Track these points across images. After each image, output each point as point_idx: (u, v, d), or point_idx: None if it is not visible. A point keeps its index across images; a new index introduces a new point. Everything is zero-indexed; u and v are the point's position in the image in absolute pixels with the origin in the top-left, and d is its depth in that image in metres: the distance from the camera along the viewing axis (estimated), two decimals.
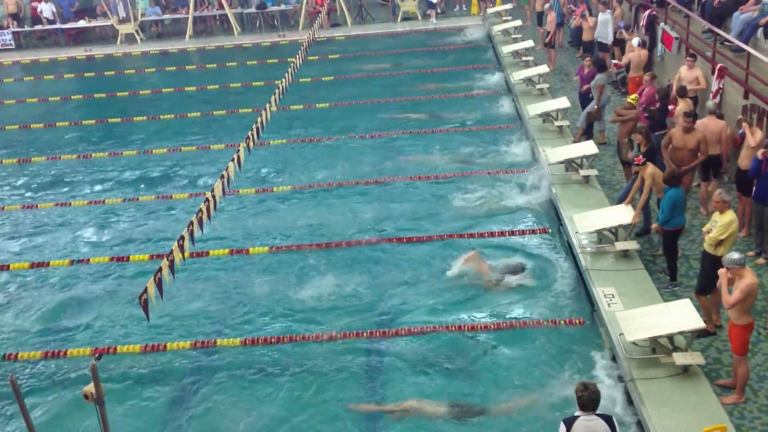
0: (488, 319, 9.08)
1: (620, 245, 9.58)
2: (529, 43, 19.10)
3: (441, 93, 17.98)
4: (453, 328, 8.88)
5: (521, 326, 8.85)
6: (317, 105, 17.56)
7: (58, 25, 26.25)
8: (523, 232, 11.08)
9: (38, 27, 26.51)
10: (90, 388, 4.82)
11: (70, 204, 13.32)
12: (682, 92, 11.30)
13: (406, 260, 10.59)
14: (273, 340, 8.94)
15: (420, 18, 25.91)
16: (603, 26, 16.53)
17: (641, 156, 9.61)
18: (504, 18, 23.03)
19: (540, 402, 7.58)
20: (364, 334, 8.94)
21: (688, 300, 7.84)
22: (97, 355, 5.05)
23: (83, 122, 18.21)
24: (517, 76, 17.00)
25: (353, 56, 22.35)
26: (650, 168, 9.44)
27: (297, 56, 16.40)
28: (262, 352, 8.80)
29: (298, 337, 8.96)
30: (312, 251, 10.99)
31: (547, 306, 9.23)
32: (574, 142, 13.17)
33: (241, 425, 7.60)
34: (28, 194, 14.11)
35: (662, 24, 14.88)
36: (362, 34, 24.84)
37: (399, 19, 26.09)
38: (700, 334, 7.66)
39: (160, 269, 7.47)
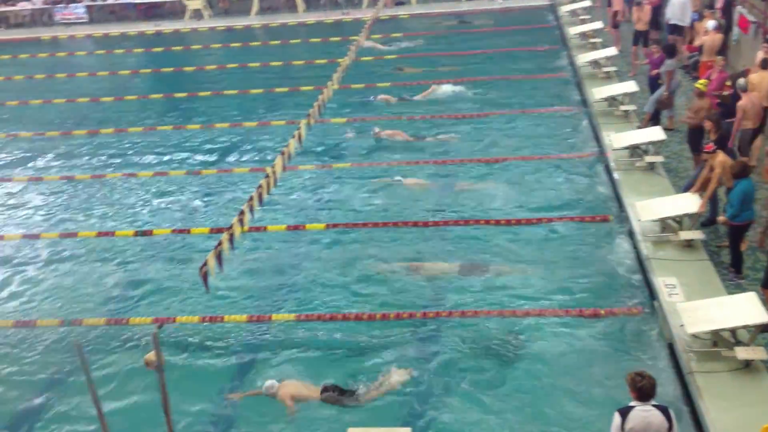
0: (545, 305, 8.96)
1: (684, 234, 9.31)
2: (598, 25, 18.61)
3: (503, 74, 17.71)
4: (507, 313, 8.80)
5: (578, 314, 8.71)
6: (378, 84, 17.52)
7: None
8: (582, 218, 10.88)
9: (110, 1, 27.13)
10: (151, 355, 4.96)
11: (135, 175, 13.68)
12: None
13: (461, 243, 10.52)
14: (327, 317, 9.01)
15: None
16: (679, 8, 15.87)
17: (712, 143, 9.29)
18: None
19: (594, 390, 7.47)
20: (418, 314, 8.93)
21: (753, 293, 7.58)
22: (158, 325, 5.19)
23: (150, 96, 18.64)
24: (584, 58, 16.62)
25: (416, 35, 22.19)
26: (720, 156, 9.11)
27: (360, 34, 16.37)
28: (316, 328, 8.89)
29: (351, 315, 9.02)
30: (369, 230, 11.02)
31: (605, 294, 9.05)
32: (640, 127, 12.83)
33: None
34: (97, 165, 14.53)
35: (739, 7, 14.29)
36: (426, 13, 24.64)
37: None
38: (764, 328, 7.41)
39: (221, 242, 7.61)
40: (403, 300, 9.28)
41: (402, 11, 25.14)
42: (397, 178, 12.40)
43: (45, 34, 26.14)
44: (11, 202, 13.04)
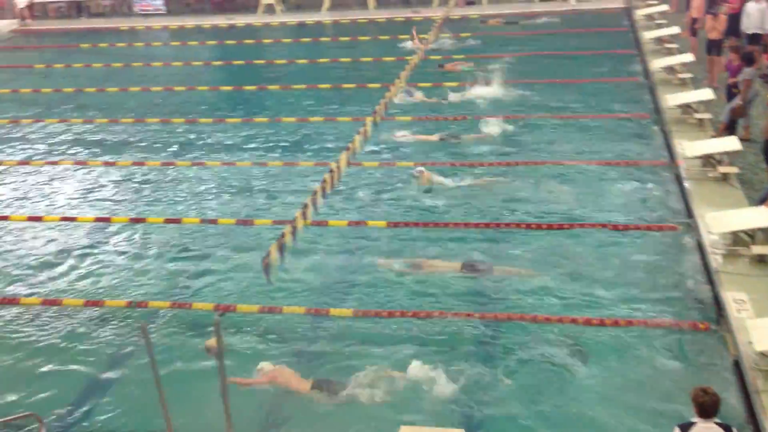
0: (607, 314, 8.77)
1: (757, 249, 8.99)
2: (674, 30, 18.13)
3: (574, 77, 17.44)
4: (567, 320, 8.66)
5: (640, 324, 8.50)
6: (445, 84, 17.46)
7: None
8: (650, 227, 10.61)
9: None
10: (212, 341, 5.06)
11: (203, 164, 14.00)
12: None
13: (526, 246, 10.40)
14: (384, 313, 9.03)
15: None
16: (758, 16, 15.33)
17: None
18: (648, 2, 21.97)
19: (654, 404, 7.28)
20: (476, 315, 8.87)
21: None
22: (220, 312, 5.30)
23: (220, 88, 19.05)
24: (658, 63, 16.21)
25: (485, 35, 22.03)
26: None
27: (430, 33, 16.35)
28: (372, 324, 8.91)
29: (409, 312, 9.01)
30: (429, 229, 11.00)
31: (670, 306, 8.81)
32: (715, 136, 12.43)
33: (344, 394, 7.74)
34: (167, 152, 14.92)
35: None
36: (497, 14, 24.44)
37: None
38: None
39: (284, 234, 7.70)
40: (462, 300, 9.24)
41: (472, 11, 25.00)
42: (445, 182, 12.30)
43: (124, 24, 27.00)
44: (86, 185, 13.50)
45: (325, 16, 26.08)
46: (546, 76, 17.71)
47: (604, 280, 9.42)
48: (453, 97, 16.54)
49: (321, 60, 20.51)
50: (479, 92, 16.58)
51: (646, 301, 8.97)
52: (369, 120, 11.07)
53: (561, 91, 16.62)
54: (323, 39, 22.96)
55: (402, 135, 14.48)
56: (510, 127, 14.64)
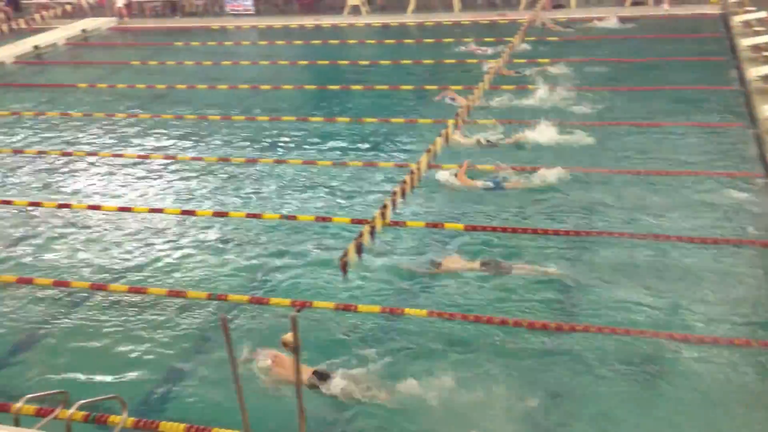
0: (692, 329, 8.45)
1: None
2: None
3: (664, 84, 16.90)
4: (649, 334, 8.38)
5: (726, 342, 8.14)
6: (529, 87, 17.21)
7: None
8: (741, 241, 10.16)
9: None
10: (289, 337, 5.12)
11: (285, 162, 14.25)
12: None
13: (609, 256, 10.14)
14: (459, 316, 8.97)
15: (651, 2, 24.44)
16: None
17: None
18: (746, 9, 21.06)
19: (739, 427, 6.97)
20: (552, 325, 8.70)
21: None
22: (298, 308, 5.35)
23: (305, 87, 19.34)
24: (756, 72, 15.53)
25: (573, 39, 21.60)
26: None
27: (515, 36, 16.14)
28: (446, 326, 8.87)
29: (483, 317, 8.92)
30: (507, 234, 10.86)
31: (763, 326, 8.41)
32: None
33: (404, 396, 7.72)
34: (252, 149, 15.25)
35: None
36: (585, 17, 23.92)
37: (628, 3, 24.79)
38: None
39: (362, 234, 7.76)
40: (540, 307, 9.09)
41: (560, 14, 24.56)
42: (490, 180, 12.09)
43: (215, 23, 27.78)
44: (174, 178, 13.96)
45: (409, 18, 26.14)
46: (634, 83, 17.22)
47: (692, 296, 9.09)
48: (518, 101, 16.32)
49: (404, 61, 20.56)
50: (548, 96, 16.29)
51: (734, 318, 8.60)
52: (451, 123, 11.04)
53: (649, 98, 16.13)
54: (407, 41, 23.00)
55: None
56: (592, 134, 14.32)
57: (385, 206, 8.53)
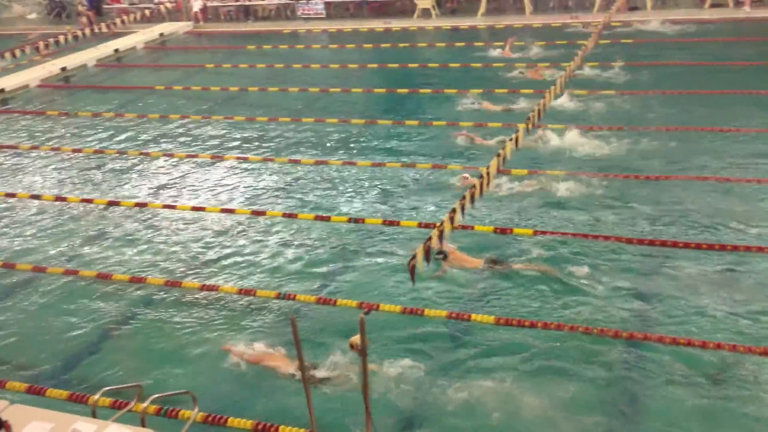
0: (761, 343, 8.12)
1: None
2: None
3: (740, 88, 16.32)
4: (727, 347, 8.07)
5: None
6: (602, 91, 16.87)
7: None
8: None
9: None
10: (356, 338, 5.16)
11: (354, 164, 14.36)
12: None
13: (685, 266, 9.85)
14: (526, 323, 8.85)
15: (731, 5, 23.63)
16: None
17: None
18: None
19: None
20: (623, 334, 8.49)
21: None
22: (366, 310, 5.39)
23: (374, 90, 19.44)
24: None
25: (646, 42, 21.07)
26: None
27: (589, 39, 15.85)
28: (513, 334, 8.76)
29: (552, 324, 8.77)
30: (577, 240, 10.66)
31: None
32: None
33: (482, 402, 7.66)
34: (321, 151, 15.42)
35: None
36: (661, 20, 23.31)
37: (707, 5, 24.03)
38: None
39: (430, 238, 7.75)
40: (611, 316, 8.89)
41: (635, 17, 23.99)
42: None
43: (286, 27, 28.24)
44: (245, 179, 14.24)
45: (479, 21, 25.98)
46: (708, 87, 16.69)
47: (761, 308, 8.74)
48: (589, 106, 16.03)
49: (474, 65, 20.44)
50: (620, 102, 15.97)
51: None
52: (521, 127, 10.91)
53: (725, 104, 15.61)
54: (477, 44, 22.86)
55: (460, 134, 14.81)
56: (669, 136, 13.93)
57: (454, 210, 8.49)
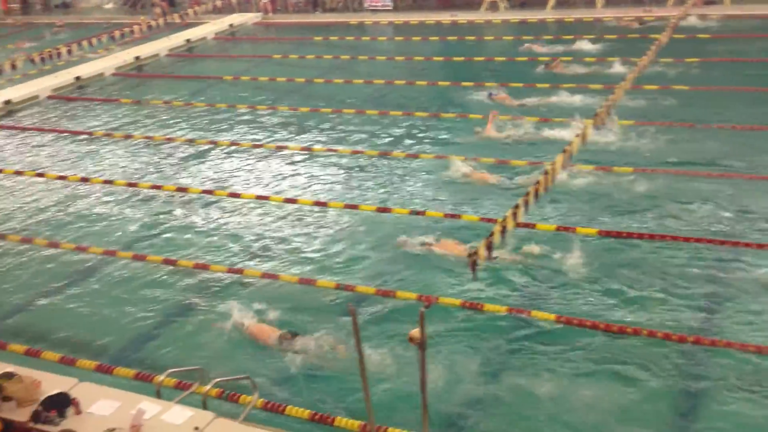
0: None
1: None
2: None
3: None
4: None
5: None
6: (674, 86, 16.39)
7: None
8: None
9: None
10: (416, 332, 5.16)
11: (417, 156, 14.33)
12: None
13: (749, 268, 9.51)
14: (588, 323, 8.70)
15: None
16: None
17: None
18: None
19: None
20: (689, 339, 8.26)
21: None
22: (426, 304, 5.37)
23: (438, 83, 19.34)
24: None
25: (723, 38, 20.35)
26: None
27: (663, 34, 15.40)
28: (576, 334, 8.61)
29: (614, 327, 8.59)
30: (645, 241, 10.40)
31: None
32: None
33: (539, 400, 7.57)
34: (385, 143, 15.44)
35: None
36: (741, 15, 22.47)
37: None
38: None
39: (492, 233, 7.68)
40: (674, 320, 8.65)
41: (712, 10, 23.18)
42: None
43: (353, 19, 28.35)
44: (309, 170, 14.37)
45: (548, 15, 25.55)
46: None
47: None
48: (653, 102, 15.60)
49: (541, 59, 20.11)
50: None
51: None
52: (589, 123, 10.69)
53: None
54: (546, 37, 22.46)
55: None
56: (737, 134, 13.46)
57: (517, 206, 8.38)
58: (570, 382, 7.79)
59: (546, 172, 9.17)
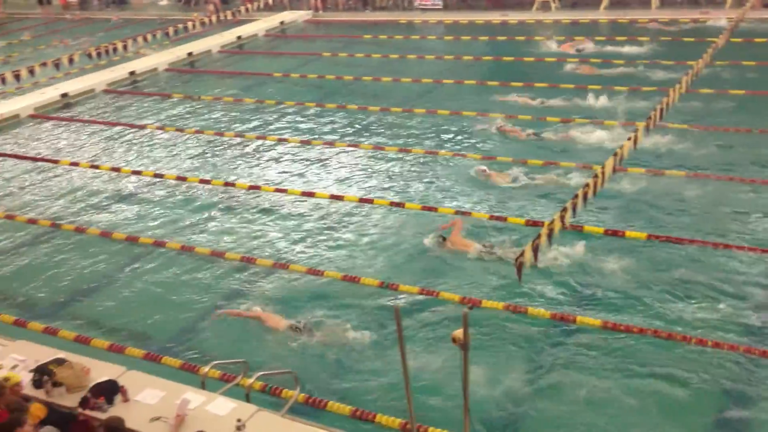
0: None
1: None
2: None
3: None
4: None
5: None
6: (730, 91, 15.98)
7: None
8: None
9: None
10: (459, 333, 5.13)
11: (464, 156, 14.25)
12: None
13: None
14: (635, 329, 8.54)
15: None
16: None
17: None
18: None
19: None
20: (740, 348, 8.05)
21: None
22: (470, 305, 5.34)
23: (487, 83, 19.19)
24: None
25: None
26: None
27: (720, 37, 15.02)
28: (620, 339, 8.48)
29: (663, 333, 8.43)
30: (697, 249, 10.16)
31: None
32: None
33: (581, 404, 7.47)
34: (433, 141, 15.38)
35: None
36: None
37: None
38: None
39: (539, 236, 7.60)
40: (724, 329, 8.45)
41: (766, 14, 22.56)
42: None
43: (402, 17, 28.34)
44: (355, 167, 14.42)
45: (601, 15, 25.16)
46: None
47: None
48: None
49: (593, 60, 19.80)
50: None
51: None
52: (641, 126, 10.49)
53: None
54: (598, 38, 22.09)
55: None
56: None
57: (565, 209, 8.27)
58: (614, 388, 7.67)
59: (596, 175, 9.02)
